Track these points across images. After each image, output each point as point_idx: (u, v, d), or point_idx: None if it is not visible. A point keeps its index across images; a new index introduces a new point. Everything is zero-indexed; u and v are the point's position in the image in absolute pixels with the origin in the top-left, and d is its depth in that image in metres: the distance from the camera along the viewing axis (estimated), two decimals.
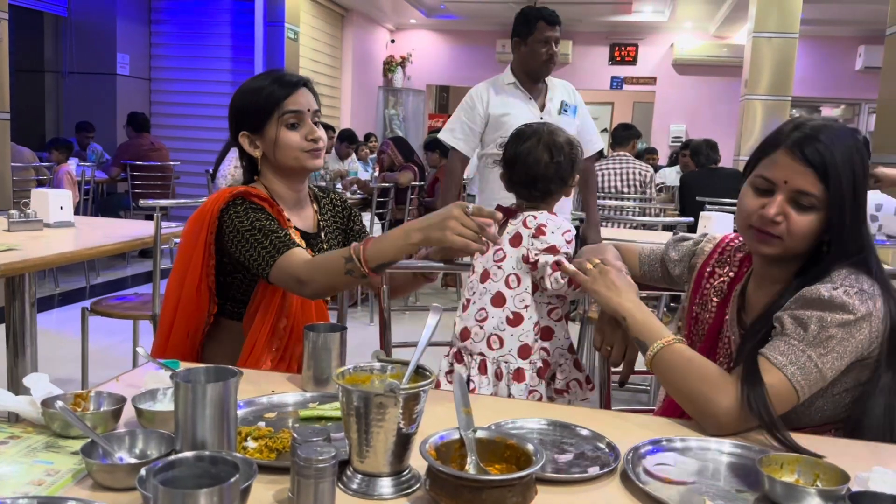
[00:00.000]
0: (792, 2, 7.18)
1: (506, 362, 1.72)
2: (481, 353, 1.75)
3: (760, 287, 1.41)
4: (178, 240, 2.91)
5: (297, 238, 1.74)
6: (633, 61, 11.86)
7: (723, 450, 1.15)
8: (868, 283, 1.26)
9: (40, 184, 5.65)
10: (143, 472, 0.72)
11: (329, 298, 1.96)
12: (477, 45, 12.04)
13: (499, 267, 1.76)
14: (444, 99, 13.80)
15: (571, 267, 1.56)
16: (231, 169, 5.28)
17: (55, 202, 3.12)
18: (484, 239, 1.39)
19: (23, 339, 2.73)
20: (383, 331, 2.00)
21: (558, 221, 1.75)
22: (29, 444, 1.04)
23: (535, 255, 1.69)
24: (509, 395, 1.69)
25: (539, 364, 1.74)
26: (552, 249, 1.67)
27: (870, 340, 1.25)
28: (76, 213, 3.85)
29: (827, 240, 1.30)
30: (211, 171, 5.70)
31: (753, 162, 1.36)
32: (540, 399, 1.72)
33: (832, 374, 1.22)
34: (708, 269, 1.54)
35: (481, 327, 1.76)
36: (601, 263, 1.47)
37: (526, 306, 1.73)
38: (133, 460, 0.97)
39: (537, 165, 1.74)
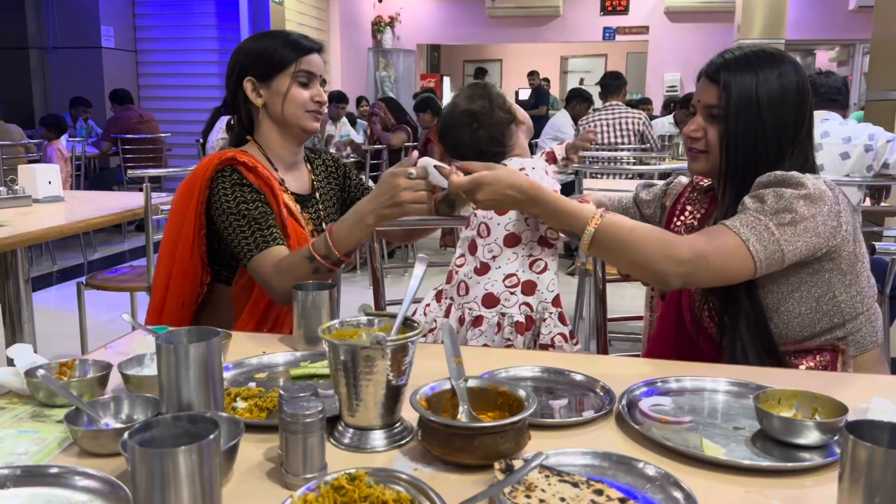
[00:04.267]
0: None
1: (469, 309, 1.73)
2: (450, 298, 1.78)
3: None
4: (161, 218, 2.90)
5: (285, 203, 1.73)
6: (625, 10, 11.69)
7: (718, 388, 1.14)
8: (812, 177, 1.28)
9: (31, 161, 5.61)
10: (125, 435, 0.70)
11: None
12: (467, 1, 11.86)
13: (474, 215, 1.78)
14: (436, 59, 13.63)
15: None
16: (220, 138, 5.25)
17: (43, 177, 3.09)
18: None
19: (19, 316, 2.73)
20: (377, 288, 2.00)
21: (526, 161, 1.79)
22: (15, 413, 1.04)
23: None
24: (465, 343, 1.67)
25: (519, 318, 1.72)
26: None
27: (832, 228, 1.25)
28: (70, 189, 3.83)
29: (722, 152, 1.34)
30: (201, 140, 5.67)
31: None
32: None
33: (792, 250, 1.22)
34: (678, 207, 1.57)
35: (456, 272, 1.79)
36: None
37: (494, 256, 1.73)
38: (119, 426, 0.96)
39: (464, 145, 1.77)
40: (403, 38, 12.11)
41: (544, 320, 1.74)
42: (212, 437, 0.67)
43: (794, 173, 1.25)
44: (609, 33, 11.91)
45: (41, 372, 1.05)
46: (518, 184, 1.27)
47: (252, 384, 1.16)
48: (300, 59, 1.74)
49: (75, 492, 0.81)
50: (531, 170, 1.73)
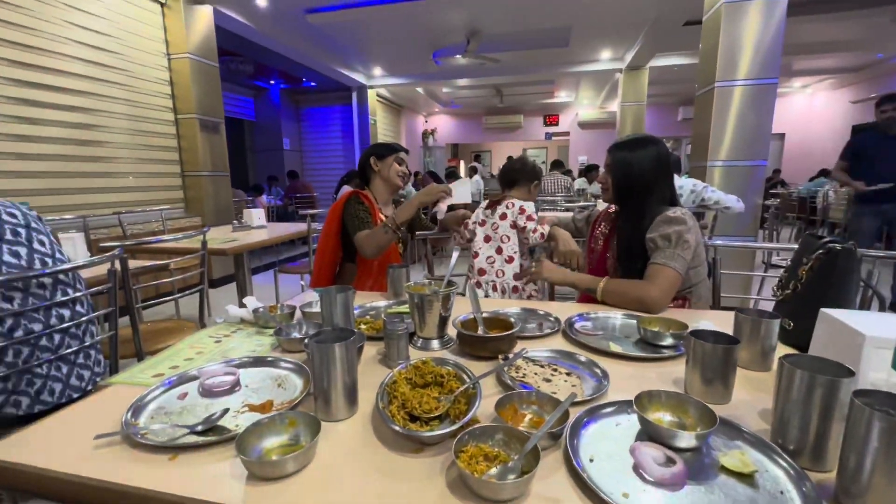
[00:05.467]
0: (641, 85, 6.89)
1: (508, 283, 1.69)
2: (493, 281, 1.71)
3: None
4: (316, 235, 2.91)
5: (382, 220, 1.69)
6: (557, 123, 11.53)
7: (618, 316, 1.10)
8: (679, 209, 1.24)
9: (248, 207, 5.70)
10: (306, 340, 0.71)
11: (401, 254, 1.93)
12: (471, 120, 11.83)
13: (495, 232, 1.73)
14: (455, 150, 13.56)
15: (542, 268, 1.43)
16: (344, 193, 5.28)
17: (256, 215, 3.13)
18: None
19: (244, 288, 2.76)
20: (430, 267, 1.98)
21: (528, 204, 1.73)
22: (247, 332, 1.04)
23: (522, 223, 1.67)
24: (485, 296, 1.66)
25: (514, 285, 1.68)
26: (530, 218, 1.67)
27: (697, 240, 1.23)
28: (268, 221, 3.86)
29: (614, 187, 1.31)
30: (334, 195, 5.70)
31: None
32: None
33: (688, 259, 1.18)
34: (597, 224, 1.50)
35: (491, 266, 1.72)
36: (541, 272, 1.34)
37: (515, 252, 1.70)
38: (300, 336, 0.95)
39: (512, 170, 1.79)
40: (438, 140, 12.11)
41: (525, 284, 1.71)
42: (352, 338, 0.67)
43: (678, 215, 1.21)
44: (548, 136, 11.74)
45: (261, 309, 1.06)
46: (559, 275, 1.31)
47: (367, 316, 1.15)
48: (399, 152, 1.74)
49: (281, 370, 0.81)
50: (526, 206, 1.70)
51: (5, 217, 1.16)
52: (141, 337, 1.71)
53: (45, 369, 1.17)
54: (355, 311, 1.15)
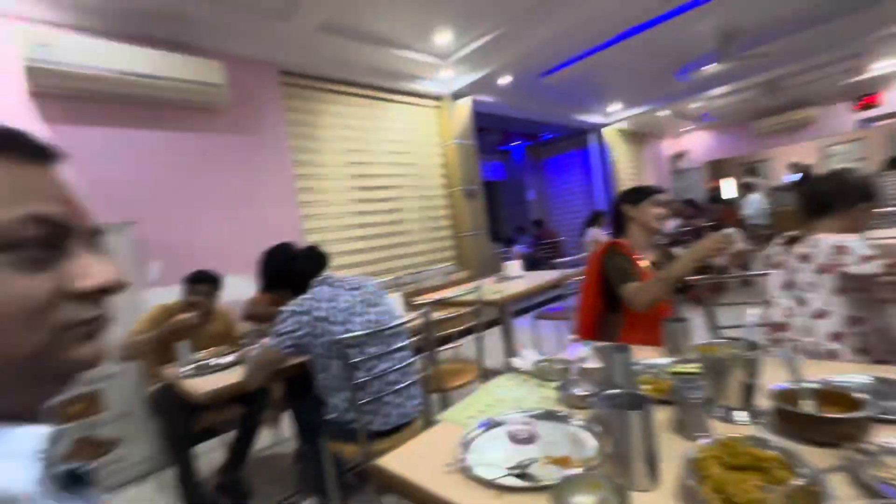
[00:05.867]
0: None
1: (820, 346, 1.27)
2: (794, 341, 1.33)
3: None
4: (569, 281, 2.96)
5: (644, 264, 1.63)
6: (875, 105, 8.37)
7: None
8: None
9: (504, 259, 6.33)
10: (591, 400, 0.74)
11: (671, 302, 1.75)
12: (734, 130, 9.95)
13: (795, 277, 1.35)
14: (715, 168, 11.50)
15: None
16: (590, 235, 5.25)
17: (514, 267, 3.47)
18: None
19: (508, 333, 3.04)
20: (712, 319, 1.72)
21: (850, 240, 1.24)
22: (530, 384, 1.14)
23: (853, 270, 1.21)
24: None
25: (860, 344, 1.23)
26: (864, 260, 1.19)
27: None
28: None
29: None
30: (579, 237, 5.72)
31: None
32: None
33: None
34: None
35: (791, 320, 1.35)
36: None
37: (828, 305, 1.26)
38: (583, 393, 0.98)
39: (819, 193, 1.36)
40: (692, 161, 10.63)
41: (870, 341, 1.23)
42: (648, 406, 0.66)
43: None
44: (863, 122, 8.63)
45: (541, 364, 1.16)
46: None
47: (647, 374, 1.07)
48: (655, 194, 1.67)
49: (571, 426, 0.86)
50: (848, 243, 1.23)
51: (368, 286, 1.69)
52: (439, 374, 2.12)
53: (388, 398, 1.59)
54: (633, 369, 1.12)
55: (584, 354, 1.19)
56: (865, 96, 8.48)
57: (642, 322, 1.57)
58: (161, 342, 2.11)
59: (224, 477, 2.12)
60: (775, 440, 0.71)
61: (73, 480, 0.39)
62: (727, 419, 0.81)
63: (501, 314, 3.08)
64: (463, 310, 2.28)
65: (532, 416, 0.90)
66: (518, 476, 0.71)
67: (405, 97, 4.71)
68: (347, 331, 1.53)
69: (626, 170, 8.69)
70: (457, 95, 5.02)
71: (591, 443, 0.79)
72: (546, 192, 9.61)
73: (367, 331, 1.51)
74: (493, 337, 4.48)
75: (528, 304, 6.13)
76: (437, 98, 5.01)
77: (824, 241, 1.28)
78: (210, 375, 1.77)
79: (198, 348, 2.16)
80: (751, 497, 0.56)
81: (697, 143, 10.66)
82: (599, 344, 1.08)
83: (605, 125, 8.00)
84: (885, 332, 1.24)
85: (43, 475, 0.33)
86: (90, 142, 2.65)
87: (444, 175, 5.08)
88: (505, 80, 5.05)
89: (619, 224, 1.76)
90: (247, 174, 3.38)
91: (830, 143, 9.83)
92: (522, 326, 4.63)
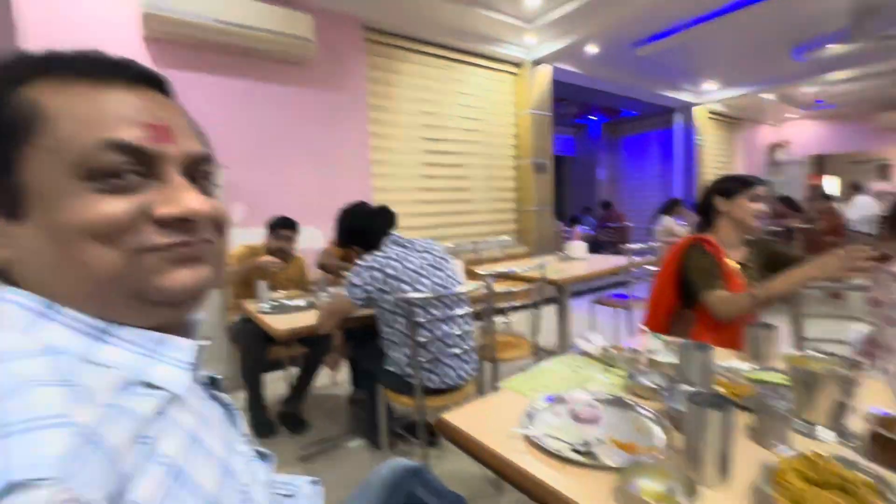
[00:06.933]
0: None
1: None
2: (883, 349, 1.22)
3: None
4: (634, 269, 2.85)
5: (732, 265, 1.52)
6: None
7: None
8: None
9: (566, 238, 6.17)
10: (662, 392, 0.73)
11: None
12: (849, 122, 8.76)
13: None
14: (821, 163, 10.27)
15: None
16: (663, 224, 4.97)
17: (579, 248, 3.39)
18: None
19: (564, 314, 3.01)
20: (798, 328, 1.60)
21: None
22: (597, 367, 1.14)
23: None
24: None
25: None
26: None
27: None
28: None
29: None
30: (650, 225, 5.43)
31: None
32: None
33: None
34: None
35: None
36: None
37: None
38: (651, 385, 0.97)
39: None
40: (793, 153, 9.56)
41: None
42: (731, 410, 0.66)
43: None
44: None
45: (608, 349, 1.16)
46: None
47: (723, 377, 1.01)
48: (754, 186, 1.53)
49: (639, 414, 0.86)
50: None
51: (435, 250, 1.74)
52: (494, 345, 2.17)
53: (447, 360, 1.67)
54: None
55: (655, 346, 1.18)
56: None
57: (718, 323, 1.49)
58: (244, 278, 2.34)
59: (286, 406, 2.35)
60: (865, 465, 0.68)
61: (212, 384, 0.48)
62: (809, 435, 0.78)
63: (559, 294, 3.05)
64: (522, 285, 2.29)
65: (597, 399, 0.91)
66: (582, 453, 0.74)
67: (484, 61, 4.59)
68: (416, 290, 1.61)
69: (714, 157, 8.01)
70: (537, 62, 4.81)
71: (657, 434, 0.79)
72: (618, 173, 9.14)
73: (434, 294, 1.58)
74: (548, 316, 4.48)
75: (585, 287, 5.99)
76: (516, 65, 4.84)
77: None
78: (284, 315, 1.94)
79: (274, 289, 2.36)
80: None
81: (803, 134, 9.53)
82: (677, 340, 1.06)
83: (695, 105, 7.35)
84: None
85: (193, 379, 0.40)
86: (189, 86, 2.87)
87: (514, 145, 4.97)
88: (592, 49, 4.75)
89: (707, 217, 1.64)
90: (327, 129, 3.51)
91: None
92: (579, 309, 4.55)
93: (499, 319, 3.24)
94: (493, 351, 2.05)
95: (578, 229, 7.06)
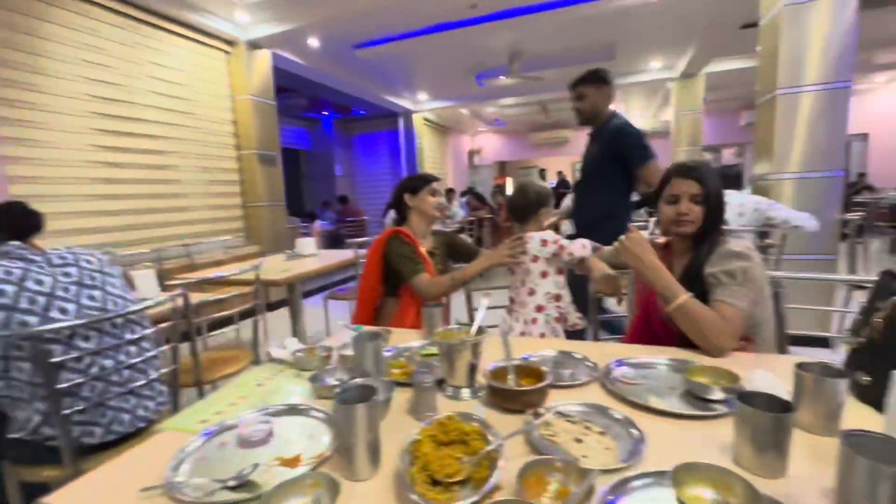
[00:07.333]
0: (697, 93, 6.57)
1: (527, 316, 1.59)
2: (516, 311, 1.64)
3: (677, 259, 1.28)
4: (363, 261, 2.99)
5: (424, 255, 1.70)
6: None
7: (662, 362, 1.03)
8: (742, 242, 1.16)
9: (304, 235, 5.99)
10: (338, 390, 0.72)
11: None
12: (517, 137, 11.83)
13: (527, 273, 1.64)
14: (503, 167, 13.50)
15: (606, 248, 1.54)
16: (391, 219, 5.43)
17: (308, 245, 3.29)
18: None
19: (296, 314, 2.88)
20: (469, 306, 1.95)
21: (547, 233, 1.63)
22: (288, 375, 1.07)
23: (550, 252, 1.59)
24: (530, 334, 1.57)
25: (556, 315, 1.59)
26: (555, 243, 1.59)
27: (763, 278, 1.14)
28: (320, 248, 4.02)
29: (705, 220, 1.19)
30: (383, 218, 5.86)
31: (660, 190, 1.26)
32: (558, 335, 1.58)
33: (752, 298, 1.09)
34: None
35: (516, 296, 1.65)
36: (627, 238, 1.24)
37: (536, 285, 1.60)
38: (334, 382, 0.98)
39: (517, 209, 1.69)
40: (485, 158, 12.18)
41: (569, 313, 1.62)
42: (373, 399, 0.68)
43: (743, 250, 1.12)
44: None
45: (298, 354, 1.10)
46: (645, 255, 1.17)
47: (401, 358, 1.14)
48: (430, 183, 1.74)
49: (312, 419, 0.83)
50: (548, 237, 1.60)
51: (83, 264, 1.30)
52: (202, 366, 1.84)
53: (115, 402, 1.29)
54: (388, 354, 1.16)
55: (349, 340, 1.19)
56: None
57: (414, 305, 1.66)
58: None
59: None
60: (484, 413, 0.83)
61: None
62: (455, 396, 0.91)
63: (290, 294, 2.90)
64: (239, 290, 2.03)
65: (269, 414, 0.83)
66: (235, 487, 0.64)
67: (188, 31, 3.88)
68: (48, 320, 1.16)
69: (431, 158, 9.31)
70: (254, 45, 4.41)
71: (329, 436, 0.77)
72: (354, 169, 9.51)
73: (84, 320, 1.17)
74: (281, 316, 4.23)
75: (328, 281, 5.99)
76: (229, 42, 4.30)
77: (534, 237, 1.61)
78: None
79: None
80: (448, 471, 0.63)
81: (490, 144, 12.25)
82: (363, 332, 1.08)
83: (414, 112, 8.34)
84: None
85: None
86: None
87: (234, 133, 4.43)
88: (313, 42, 4.68)
89: (400, 212, 1.80)
90: None
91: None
92: (316, 306, 4.49)
93: (218, 332, 2.83)
94: (198, 373, 1.73)
95: (318, 224, 7.00)
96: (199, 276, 2.15)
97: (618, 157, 2.19)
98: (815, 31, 2.80)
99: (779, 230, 2.60)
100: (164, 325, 1.46)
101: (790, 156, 2.93)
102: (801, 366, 0.76)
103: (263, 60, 4.53)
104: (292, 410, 0.85)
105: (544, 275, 1.62)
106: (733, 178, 3.07)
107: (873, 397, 0.78)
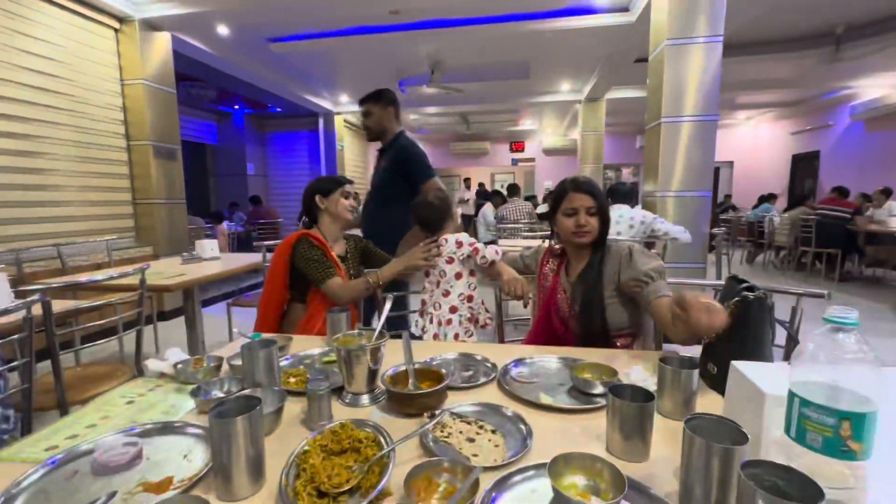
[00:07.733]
0: (600, 116, 7.20)
1: (441, 316, 1.60)
2: (430, 312, 1.63)
3: (575, 263, 1.38)
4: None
5: (336, 259, 1.64)
6: (523, 150, 11.86)
7: (553, 362, 1.09)
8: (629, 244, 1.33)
9: (208, 237, 5.50)
10: (210, 409, 0.66)
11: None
12: (440, 146, 12.05)
13: (442, 275, 1.63)
14: None
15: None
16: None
17: (209, 246, 3.02)
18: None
19: (193, 324, 2.63)
20: (380, 312, 1.89)
21: (461, 235, 1.65)
22: (166, 390, 0.97)
23: (463, 255, 1.60)
24: (444, 337, 1.58)
25: (468, 315, 1.60)
26: (471, 245, 1.60)
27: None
28: (227, 251, 3.71)
29: (599, 230, 1.33)
30: (297, 221, 5.59)
31: (556, 204, 1.36)
32: (471, 335, 1.59)
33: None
34: (545, 260, 1.49)
35: (430, 297, 1.64)
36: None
37: (451, 286, 1.61)
38: (221, 395, 0.90)
39: (430, 220, 1.67)
40: None
41: (479, 313, 1.63)
42: (255, 411, 0.63)
43: (651, 252, 1.30)
44: (515, 162, 12.06)
45: (180, 365, 1.00)
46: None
47: (301, 366, 1.09)
48: (344, 185, 1.69)
49: (188, 437, 0.75)
50: (463, 239, 1.62)
51: None
52: (66, 384, 1.58)
53: None
54: (287, 362, 1.10)
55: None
56: (517, 142, 11.83)
57: (323, 311, 1.58)
58: None
59: None
60: (380, 418, 0.82)
61: None
62: (354, 403, 0.89)
63: (185, 302, 2.63)
64: (120, 296, 1.78)
65: (137, 434, 0.74)
66: None
67: (65, 0, 3.39)
68: None
69: (352, 161, 9.10)
70: (151, 25, 3.99)
71: (204, 456, 0.70)
72: (269, 169, 8.98)
73: None
74: (177, 325, 3.83)
75: (235, 287, 5.56)
76: (118, 18, 3.83)
77: (449, 239, 1.62)
78: None
79: None
80: (337, 480, 0.61)
81: None
82: (257, 341, 1.01)
83: (335, 113, 8.11)
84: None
85: None
86: None
87: (123, 121, 3.95)
88: (223, 29, 4.35)
89: (311, 215, 1.72)
90: None
91: (496, 171, 13.25)
92: (218, 314, 4.14)
93: (95, 344, 2.47)
94: (60, 394, 1.49)
95: (225, 226, 6.47)
96: (66, 280, 1.86)
97: (403, 173, 2.33)
98: (691, 69, 3.22)
99: (660, 241, 2.93)
100: (9, 338, 1.24)
101: (672, 175, 3.33)
102: (663, 359, 0.85)
103: (161, 43, 4.10)
104: (165, 429, 0.76)
105: (458, 276, 1.64)
106: (625, 194, 3.39)
107: (720, 385, 0.90)
